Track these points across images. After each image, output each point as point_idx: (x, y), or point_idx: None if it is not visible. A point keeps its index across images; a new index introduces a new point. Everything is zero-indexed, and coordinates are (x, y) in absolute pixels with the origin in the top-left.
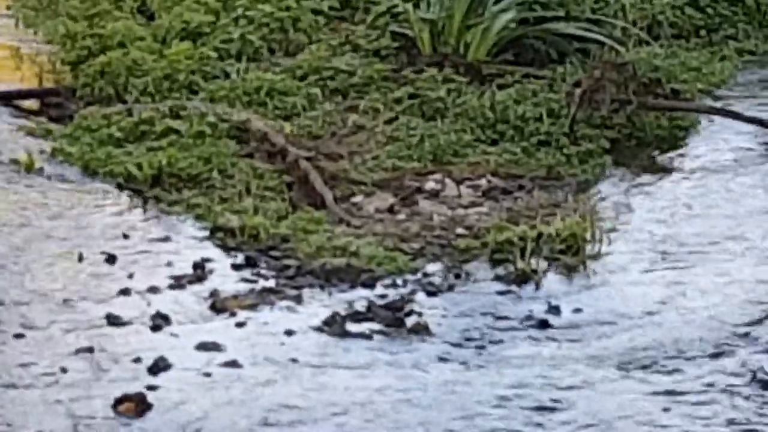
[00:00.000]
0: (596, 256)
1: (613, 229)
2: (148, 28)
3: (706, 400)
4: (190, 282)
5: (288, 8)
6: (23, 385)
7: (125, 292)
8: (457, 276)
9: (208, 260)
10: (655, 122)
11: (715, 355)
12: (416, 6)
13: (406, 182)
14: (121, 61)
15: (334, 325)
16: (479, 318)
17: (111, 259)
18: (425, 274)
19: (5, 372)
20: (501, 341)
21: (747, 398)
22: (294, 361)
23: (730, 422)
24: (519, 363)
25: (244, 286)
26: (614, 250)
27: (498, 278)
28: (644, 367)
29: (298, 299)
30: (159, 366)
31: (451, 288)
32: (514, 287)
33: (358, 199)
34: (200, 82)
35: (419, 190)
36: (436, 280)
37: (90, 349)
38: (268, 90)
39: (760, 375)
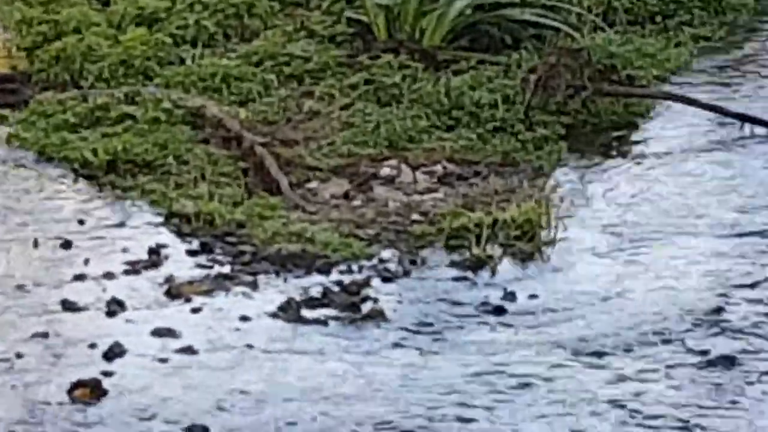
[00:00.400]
0: (552, 242)
1: (569, 215)
2: (104, 13)
3: (662, 385)
4: (146, 268)
5: None
6: None
7: (80, 277)
8: (413, 262)
9: (163, 246)
10: (610, 108)
11: (670, 340)
12: None
13: (361, 168)
14: (77, 46)
15: (289, 311)
16: (435, 304)
17: (66, 244)
18: (381, 260)
19: None
20: (457, 327)
21: (701, 382)
22: (249, 346)
23: (684, 406)
24: (475, 349)
25: (200, 272)
26: (570, 236)
27: (453, 264)
28: (600, 353)
29: (254, 285)
30: (114, 352)
31: (406, 274)
32: (469, 273)
33: (313, 185)
34: (155, 68)
35: (375, 176)
36: (392, 266)
37: (45, 335)
38: (224, 76)
39: (714, 359)
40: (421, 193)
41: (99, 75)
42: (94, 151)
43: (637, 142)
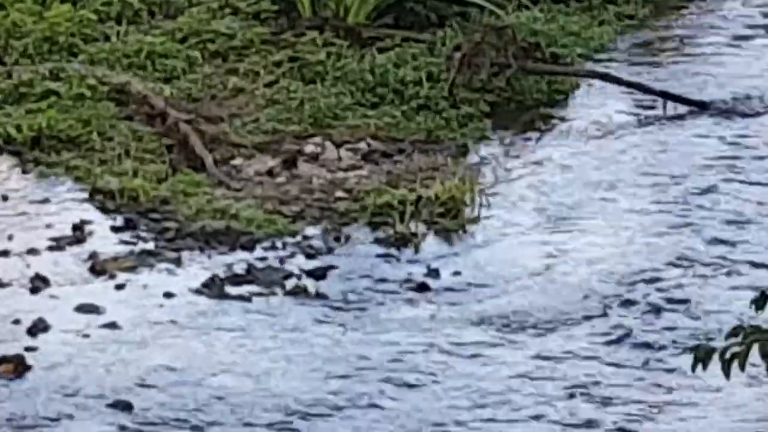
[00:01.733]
0: (475, 220)
1: (493, 193)
2: None
3: (585, 362)
4: (70, 244)
5: None
6: None
7: (4, 253)
8: (337, 239)
9: (87, 222)
10: (534, 86)
11: (592, 318)
12: None
13: (285, 145)
14: (1, 23)
15: (213, 288)
16: (358, 281)
17: None
18: (305, 237)
19: None
20: (380, 304)
21: (624, 359)
22: (173, 323)
23: (607, 383)
24: (398, 326)
25: (124, 248)
26: (493, 214)
27: (377, 241)
28: (523, 330)
29: (178, 261)
30: (38, 327)
31: (330, 251)
32: (393, 250)
33: (237, 161)
34: (80, 44)
35: (299, 153)
36: (316, 242)
37: None
38: (148, 53)
39: (637, 336)
40: (346, 170)
41: (23, 51)
42: (18, 128)
43: (561, 120)
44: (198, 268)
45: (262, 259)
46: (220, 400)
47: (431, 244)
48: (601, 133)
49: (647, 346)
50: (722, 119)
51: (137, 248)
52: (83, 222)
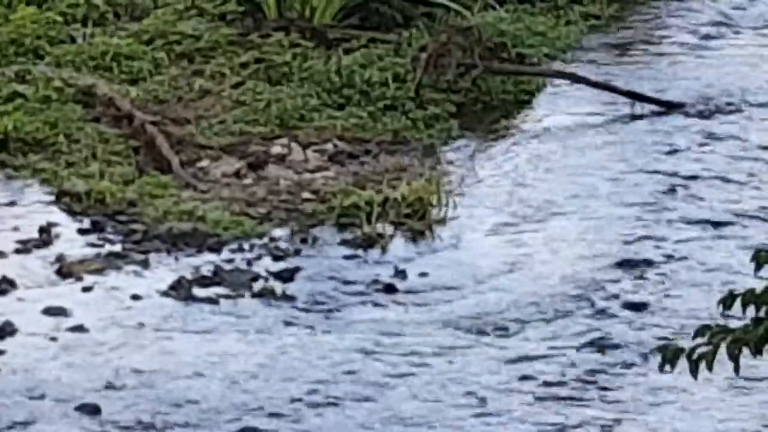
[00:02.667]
0: (442, 220)
1: (460, 193)
2: None
3: (552, 362)
4: (36, 246)
5: None
6: None
7: None
8: (304, 240)
9: (54, 225)
10: (500, 86)
11: (558, 318)
12: None
13: (252, 147)
14: None
15: (180, 290)
16: (326, 282)
17: None
18: (272, 239)
19: None
20: (348, 305)
21: (587, 363)
22: (141, 325)
23: (575, 383)
24: (366, 327)
25: (91, 251)
26: (460, 214)
27: (344, 242)
28: (490, 331)
29: (145, 264)
30: (5, 330)
31: (297, 252)
32: (360, 252)
33: (204, 163)
34: (46, 46)
35: (266, 154)
36: (283, 244)
37: None
38: (114, 54)
39: (604, 335)
40: (312, 172)
41: None
42: None
43: (527, 120)
44: (165, 270)
45: (230, 260)
46: (188, 402)
47: (398, 245)
48: (568, 134)
49: (614, 346)
50: (689, 119)
51: (104, 250)
52: (50, 224)
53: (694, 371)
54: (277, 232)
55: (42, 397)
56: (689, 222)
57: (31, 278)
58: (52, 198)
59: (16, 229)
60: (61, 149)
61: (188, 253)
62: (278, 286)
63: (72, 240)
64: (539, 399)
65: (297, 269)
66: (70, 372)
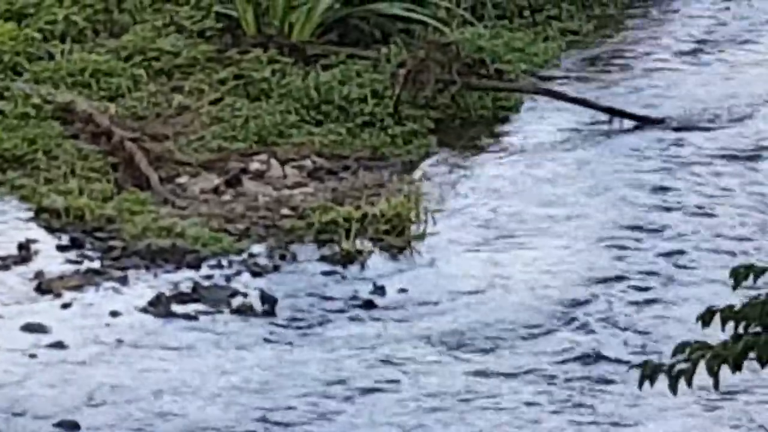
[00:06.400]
0: (421, 237)
1: (438, 210)
2: None
3: (527, 378)
4: (15, 263)
5: None
6: None
7: None
8: (283, 257)
9: (33, 241)
10: (479, 102)
11: (536, 336)
12: None
13: (231, 163)
14: None
15: (159, 306)
16: (305, 298)
17: None
18: (251, 255)
19: None
20: (327, 322)
21: (564, 379)
22: (119, 341)
23: (550, 402)
24: (345, 343)
25: (70, 267)
26: (439, 230)
27: (323, 259)
28: (468, 347)
29: (124, 280)
30: None
31: (276, 268)
32: (339, 268)
33: (183, 179)
34: (24, 63)
35: (244, 170)
36: (262, 260)
37: None
38: (93, 71)
39: (581, 354)
40: (291, 188)
41: None
42: None
43: (506, 136)
44: (144, 286)
45: (208, 277)
46: (167, 418)
47: (377, 261)
48: (546, 149)
49: (591, 362)
50: (667, 134)
51: (83, 267)
52: (29, 241)
53: (673, 388)
54: (256, 249)
55: (21, 413)
56: (667, 238)
57: (10, 295)
58: (31, 214)
59: None
60: (40, 166)
61: (167, 269)
62: (257, 303)
63: (51, 256)
64: (517, 414)
65: (276, 285)
66: (49, 388)
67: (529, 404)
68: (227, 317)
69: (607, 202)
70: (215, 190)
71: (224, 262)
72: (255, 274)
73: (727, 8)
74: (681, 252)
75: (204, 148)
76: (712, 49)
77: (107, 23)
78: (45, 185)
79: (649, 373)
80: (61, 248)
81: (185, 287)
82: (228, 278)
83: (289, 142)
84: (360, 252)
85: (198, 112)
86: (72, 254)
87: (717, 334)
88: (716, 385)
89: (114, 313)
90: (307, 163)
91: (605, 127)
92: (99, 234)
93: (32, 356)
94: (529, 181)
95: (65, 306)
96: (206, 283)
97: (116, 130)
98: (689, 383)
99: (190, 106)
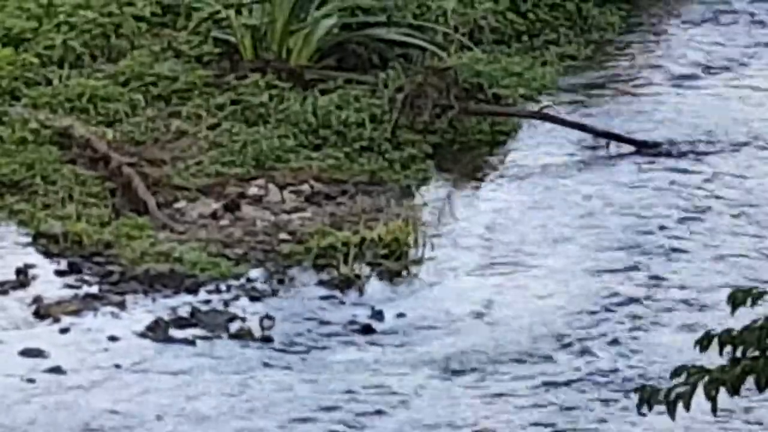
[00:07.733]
0: (419, 261)
1: (436, 234)
2: None
3: (529, 403)
4: (13, 288)
5: (110, 14)
6: None
7: None
8: (281, 281)
9: (31, 266)
10: (477, 127)
11: (536, 360)
12: (238, 12)
13: (229, 188)
14: None
15: (157, 331)
16: (303, 323)
17: None
18: (249, 280)
19: None
20: (325, 347)
21: (563, 403)
22: (117, 366)
23: (552, 427)
24: (343, 368)
25: (68, 292)
26: (437, 255)
27: (321, 283)
28: (468, 372)
29: (122, 305)
30: None
31: (274, 293)
32: (337, 292)
33: (181, 204)
34: (22, 88)
35: (242, 195)
36: (260, 285)
37: None
38: (91, 96)
39: (576, 379)
40: (289, 213)
41: None
42: None
43: (503, 161)
44: (142, 311)
45: (207, 302)
46: None
47: (375, 286)
48: (543, 174)
49: (590, 386)
50: (664, 159)
51: (81, 292)
52: (27, 266)
53: (671, 412)
54: (254, 273)
55: None
56: (664, 262)
57: (8, 320)
58: (29, 239)
59: None
60: (38, 191)
61: (165, 294)
62: (255, 327)
63: (49, 281)
64: None
65: (274, 310)
66: (47, 413)
67: (529, 429)
68: (225, 342)
69: (604, 226)
70: (213, 215)
71: (222, 287)
72: (253, 299)
73: (725, 33)
74: (681, 275)
75: (202, 173)
76: (710, 74)
77: (105, 48)
78: (43, 210)
79: (647, 396)
80: (59, 273)
81: (183, 312)
82: (226, 303)
83: (287, 166)
84: (358, 276)
85: (196, 137)
86: (70, 279)
87: (715, 358)
88: (714, 410)
89: (112, 338)
90: (305, 187)
91: (603, 152)
92: (97, 259)
93: (30, 381)
94: (526, 206)
95: (63, 331)
96: (204, 308)
97: (114, 155)
98: (687, 407)
99: (188, 131)
